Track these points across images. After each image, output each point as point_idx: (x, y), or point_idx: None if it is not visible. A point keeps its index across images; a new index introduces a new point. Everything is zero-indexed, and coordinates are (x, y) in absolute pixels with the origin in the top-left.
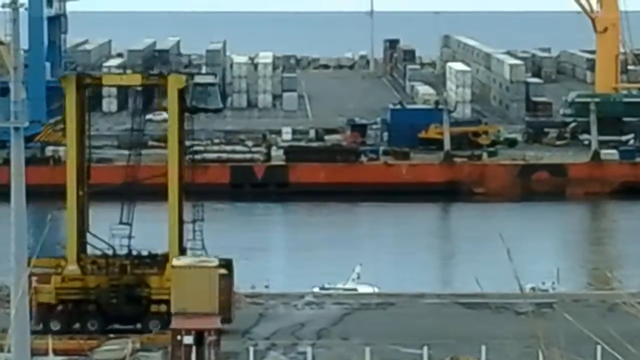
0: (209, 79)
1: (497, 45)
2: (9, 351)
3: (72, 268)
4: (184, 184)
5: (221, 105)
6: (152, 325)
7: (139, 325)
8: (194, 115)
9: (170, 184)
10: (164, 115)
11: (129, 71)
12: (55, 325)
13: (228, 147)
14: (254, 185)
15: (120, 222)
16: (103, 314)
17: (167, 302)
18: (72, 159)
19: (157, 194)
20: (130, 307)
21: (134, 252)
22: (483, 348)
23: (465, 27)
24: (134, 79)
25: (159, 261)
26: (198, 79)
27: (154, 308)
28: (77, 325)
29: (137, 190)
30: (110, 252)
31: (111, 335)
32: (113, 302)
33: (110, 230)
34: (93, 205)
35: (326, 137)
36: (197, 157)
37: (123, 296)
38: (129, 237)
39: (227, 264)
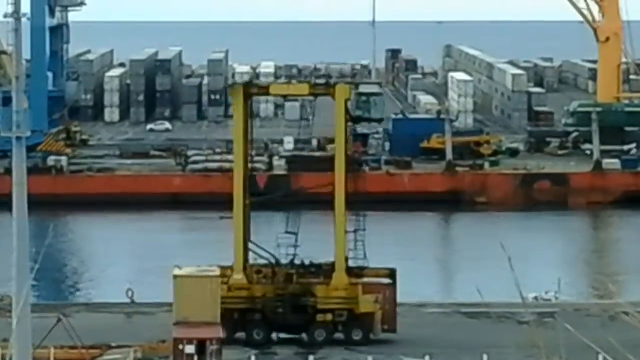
0: (374, 89)
1: (500, 55)
2: None
3: (239, 277)
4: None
5: (384, 115)
6: (318, 335)
7: (304, 335)
8: (356, 124)
9: (337, 193)
10: (166, 125)
11: (293, 81)
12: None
13: (230, 157)
14: (256, 195)
15: (286, 232)
16: (268, 323)
17: (332, 312)
18: (239, 167)
19: (315, 203)
20: (296, 317)
21: (300, 262)
22: (485, 357)
23: (468, 37)
24: (302, 89)
25: (325, 271)
26: (363, 89)
27: (319, 318)
28: (242, 335)
29: (302, 200)
30: (272, 261)
31: (113, 345)
32: (279, 312)
33: (276, 239)
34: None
35: (328, 147)
36: (198, 166)
37: (289, 305)
38: (295, 246)
39: (391, 273)
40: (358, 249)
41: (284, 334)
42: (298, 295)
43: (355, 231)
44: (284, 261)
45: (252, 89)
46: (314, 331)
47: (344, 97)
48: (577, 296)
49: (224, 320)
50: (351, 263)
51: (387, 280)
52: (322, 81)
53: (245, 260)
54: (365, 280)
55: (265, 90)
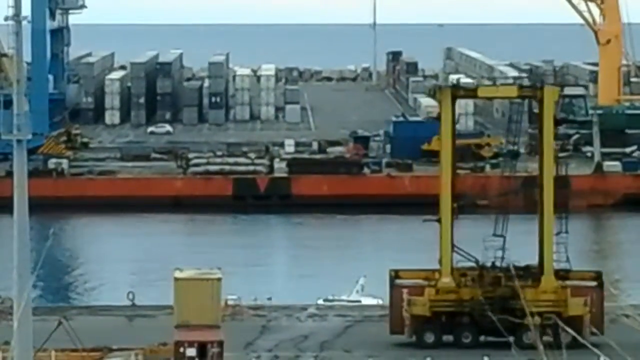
0: (578, 91)
1: (500, 58)
2: None
3: (447, 280)
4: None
5: (588, 118)
6: (525, 338)
7: (512, 338)
8: (559, 126)
9: (545, 195)
10: (167, 127)
11: (498, 83)
12: (428, 338)
13: (231, 159)
14: (256, 198)
15: (494, 234)
16: (477, 327)
17: (541, 315)
18: (447, 170)
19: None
20: (505, 320)
21: (506, 265)
22: (485, 359)
23: (468, 39)
24: (510, 91)
25: (532, 273)
26: (567, 91)
27: (527, 320)
28: (450, 338)
29: (511, 202)
30: (475, 264)
31: (114, 347)
32: (487, 315)
33: (484, 242)
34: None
35: (329, 149)
36: (199, 169)
37: (497, 308)
38: (503, 249)
39: (598, 276)
40: (560, 251)
41: (492, 337)
42: (507, 298)
43: (558, 233)
44: (487, 264)
45: (459, 91)
46: (521, 334)
47: (553, 99)
48: None
49: (431, 323)
50: (554, 265)
51: (593, 283)
52: (529, 84)
53: (452, 263)
54: (573, 282)
55: (472, 93)
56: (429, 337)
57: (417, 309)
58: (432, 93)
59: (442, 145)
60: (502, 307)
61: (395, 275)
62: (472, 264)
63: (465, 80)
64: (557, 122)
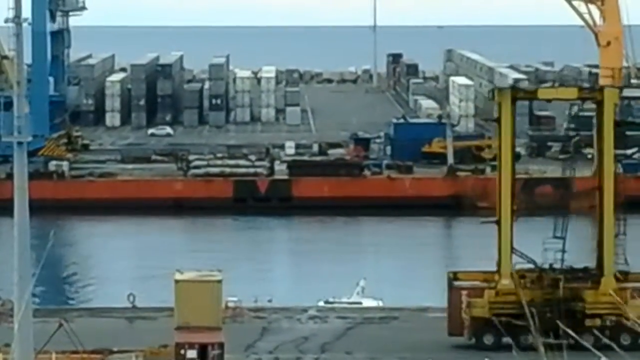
0: (638, 93)
1: (500, 59)
2: None
3: (506, 282)
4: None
5: None
6: (586, 340)
7: (571, 340)
8: (618, 128)
9: (605, 197)
10: (167, 129)
11: (555, 84)
12: (488, 340)
13: (231, 162)
14: (257, 200)
15: (554, 236)
16: (537, 329)
17: (601, 317)
18: (506, 171)
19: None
20: (565, 322)
21: (561, 266)
22: None
23: (469, 41)
24: (570, 93)
25: (593, 275)
26: (626, 93)
27: (588, 322)
28: (509, 340)
29: (571, 204)
30: (532, 265)
31: (114, 349)
32: (547, 317)
33: (543, 244)
34: None
35: (329, 152)
36: (200, 171)
37: (558, 310)
38: (562, 251)
39: None
40: (619, 253)
41: (551, 339)
42: (567, 300)
43: (616, 235)
44: (545, 266)
45: (519, 93)
46: (581, 336)
47: (613, 100)
48: None
49: (491, 325)
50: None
51: None
52: (589, 85)
53: (512, 265)
54: (634, 284)
55: (532, 95)
56: (489, 339)
57: (476, 311)
58: (491, 95)
59: (502, 146)
60: (562, 309)
61: (453, 277)
62: (531, 266)
63: (465, 81)
64: (617, 124)
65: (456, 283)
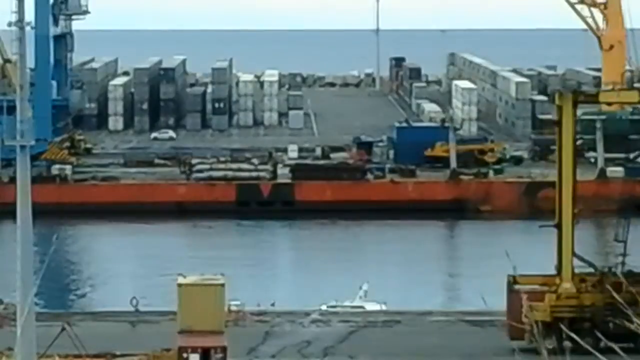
0: None
1: (503, 63)
2: None
3: (568, 286)
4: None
5: None
6: None
7: (631, 344)
8: None
9: None
10: (170, 133)
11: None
12: (549, 344)
13: (234, 165)
14: (260, 204)
15: (615, 240)
16: (598, 332)
17: None
18: (567, 175)
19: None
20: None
21: (620, 270)
22: None
23: (471, 45)
24: (631, 97)
25: None
26: None
27: None
28: (569, 344)
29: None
30: (593, 270)
31: (117, 353)
32: (608, 321)
33: (604, 247)
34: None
35: (332, 155)
36: (203, 175)
37: (620, 314)
38: (624, 254)
39: None
40: None
41: (612, 343)
42: (630, 304)
43: None
44: (605, 269)
45: (580, 96)
46: None
47: None
48: None
49: (552, 328)
50: None
51: None
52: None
53: (573, 269)
54: None
55: (593, 98)
56: (550, 343)
57: (538, 314)
58: (552, 98)
59: (564, 150)
60: (624, 313)
61: (513, 280)
62: (591, 270)
63: (468, 85)
64: None
65: (516, 287)
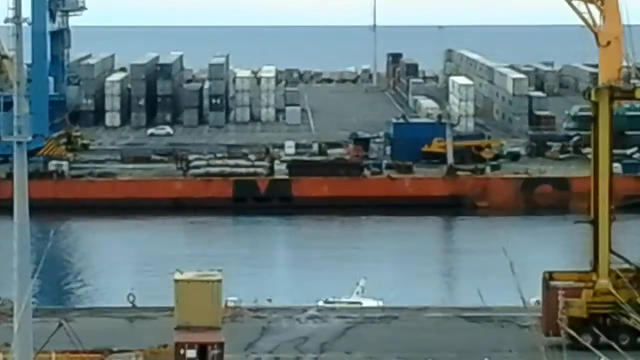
0: None
1: (500, 60)
2: None
3: (604, 282)
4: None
5: None
6: None
7: None
8: None
9: None
10: (167, 129)
11: None
12: (586, 340)
13: (231, 162)
14: (257, 200)
15: None
16: (634, 329)
17: None
18: (604, 171)
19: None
20: None
21: None
22: None
23: (469, 41)
24: None
25: None
26: None
27: None
28: (606, 340)
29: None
30: (630, 266)
31: (114, 349)
32: None
33: None
34: None
35: (329, 152)
36: (200, 171)
37: None
38: None
39: None
40: None
41: None
42: None
43: None
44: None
45: (617, 92)
46: None
47: None
48: None
49: (589, 325)
50: None
51: None
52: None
53: (609, 265)
54: None
55: (630, 95)
56: (586, 339)
57: (574, 311)
58: (588, 94)
59: (601, 146)
60: None
61: (549, 277)
62: (628, 266)
63: (465, 82)
64: None
65: (553, 283)
